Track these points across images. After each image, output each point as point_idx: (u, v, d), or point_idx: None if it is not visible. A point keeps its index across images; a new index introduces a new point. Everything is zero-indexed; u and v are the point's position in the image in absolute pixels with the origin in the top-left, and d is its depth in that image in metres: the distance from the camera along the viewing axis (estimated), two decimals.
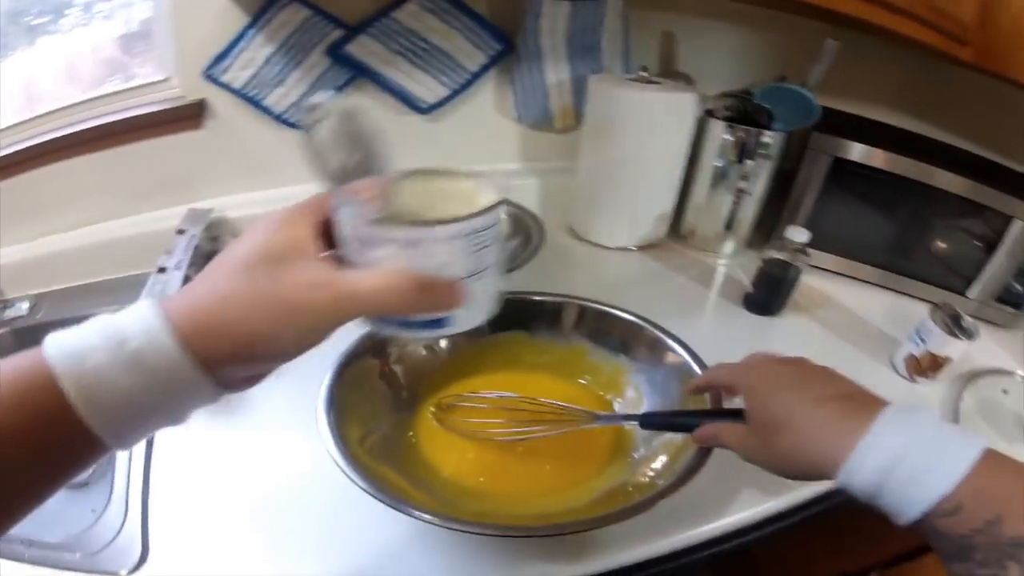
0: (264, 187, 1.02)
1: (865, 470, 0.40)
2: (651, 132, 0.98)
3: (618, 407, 0.71)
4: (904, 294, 1.09)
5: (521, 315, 0.77)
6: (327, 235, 0.34)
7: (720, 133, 1.01)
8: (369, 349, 0.65)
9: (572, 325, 0.77)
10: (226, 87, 0.92)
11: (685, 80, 1.15)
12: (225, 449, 0.66)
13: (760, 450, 0.48)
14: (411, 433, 0.65)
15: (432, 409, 0.67)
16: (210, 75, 0.91)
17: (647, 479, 0.60)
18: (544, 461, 0.65)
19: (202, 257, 0.86)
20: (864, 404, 0.45)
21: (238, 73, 0.91)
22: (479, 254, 0.35)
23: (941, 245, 1.05)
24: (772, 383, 0.50)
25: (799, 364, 0.51)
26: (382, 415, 0.64)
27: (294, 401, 0.59)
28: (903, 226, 1.06)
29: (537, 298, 0.78)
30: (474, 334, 0.69)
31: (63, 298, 0.91)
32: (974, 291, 1.05)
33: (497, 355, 0.74)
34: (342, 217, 0.33)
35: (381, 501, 0.50)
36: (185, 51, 0.90)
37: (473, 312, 0.38)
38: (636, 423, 0.59)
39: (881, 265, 1.09)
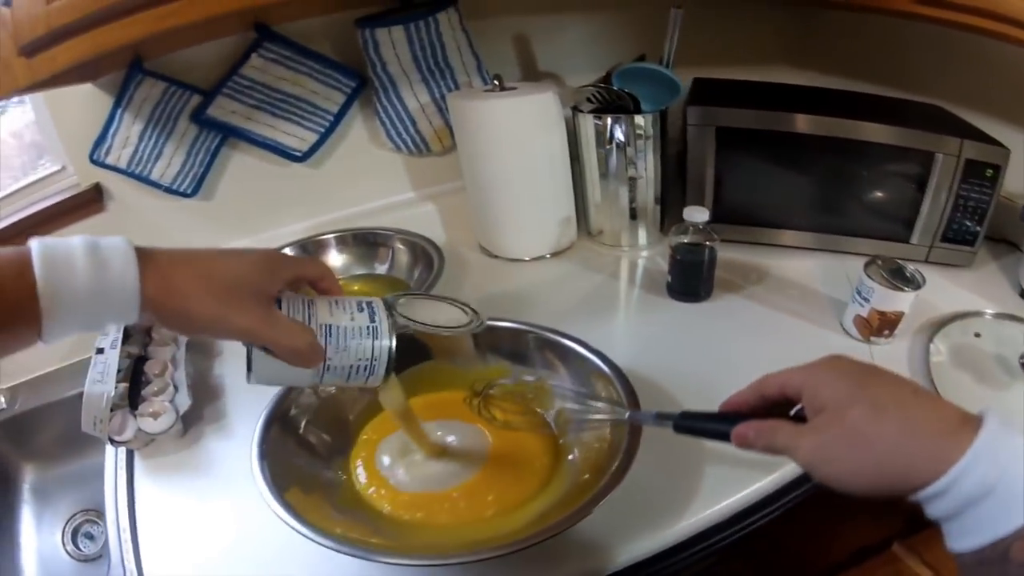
0: None
1: (971, 478, 0.33)
2: (519, 138, 0.98)
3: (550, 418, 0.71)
4: (844, 252, 1.01)
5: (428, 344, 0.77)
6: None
7: (591, 127, 0.99)
8: (280, 416, 0.66)
9: (485, 346, 0.77)
10: (113, 168, 0.99)
11: (553, 80, 1.14)
12: (197, 514, 0.70)
13: (841, 447, 0.37)
14: (343, 475, 0.67)
15: (474, 401, 0.68)
16: (95, 160, 0.98)
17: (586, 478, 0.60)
18: (486, 491, 0.63)
19: (138, 332, 0.90)
20: (960, 409, 0.37)
21: (119, 153, 0.98)
22: (348, 371, 0.50)
23: (868, 195, 0.98)
24: (855, 370, 0.41)
25: (873, 365, 0.42)
26: (315, 465, 0.66)
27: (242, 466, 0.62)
28: (821, 183, 0.99)
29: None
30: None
31: (34, 388, 0.97)
32: (916, 236, 0.96)
33: (417, 385, 0.74)
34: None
35: (325, 547, 0.52)
36: (68, 140, 0.98)
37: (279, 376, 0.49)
38: (669, 424, 0.50)
39: (810, 228, 1.02)
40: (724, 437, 0.44)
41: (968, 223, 0.91)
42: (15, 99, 1.00)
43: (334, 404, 0.72)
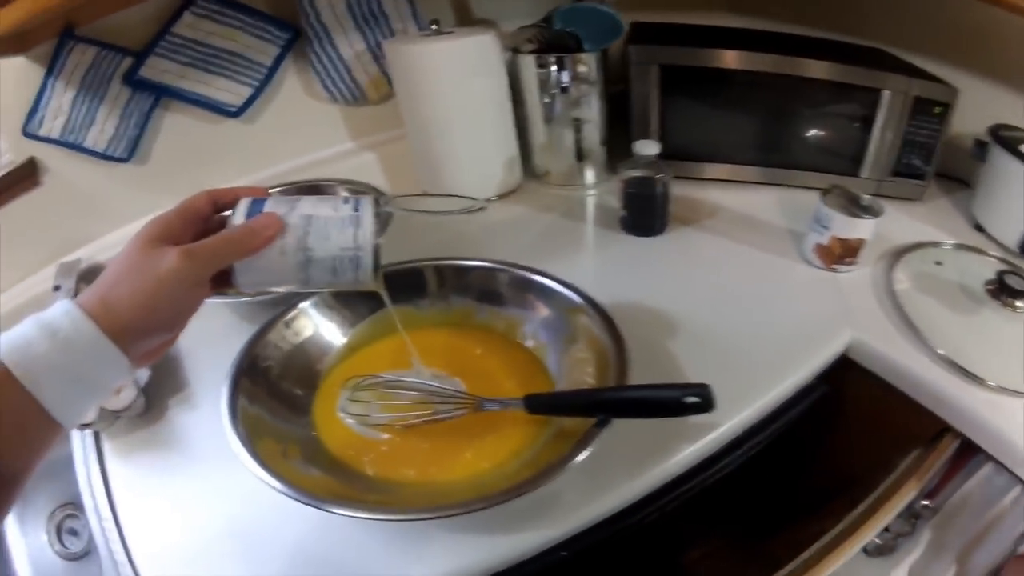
0: (116, 226, 1.20)
1: None
2: (458, 82, 1.09)
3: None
4: (796, 187, 1.15)
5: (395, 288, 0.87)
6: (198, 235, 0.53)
7: (532, 68, 1.10)
8: (249, 367, 0.76)
9: (448, 287, 0.88)
10: (47, 140, 1.11)
11: (487, 26, 1.25)
12: (175, 492, 0.76)
13: None
14: (315, 433, 0.75)
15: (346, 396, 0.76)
16: (28, 132, 1.09)
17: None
18: (465, 439, 0.72)
19: None
20: None
21: (52, 124, 1.09)
22: (333, 264, 0.54)
23: (817, 131, 1.10)
24: None
25: None
26: (288, 420, 0.75)
27: (216, 431, 0.68)
28: (769, 120, 1.12)
29: (402, 267, 0.87)
30: (354, 320, 0.86)
31: None
32: (866, 170, 1.08)
33: (387, 329, 0.84)
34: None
35: (297, 500, 0.59)
36: (1, 116, 1.09)
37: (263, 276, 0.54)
38: (521, 406, 0.68)
39: (762, 163, 1.15)
40: (584, 411, 0.62)
41: (916, 160, 1.03)
42: None
43: (301, 354, 0.82)
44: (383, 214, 0.59)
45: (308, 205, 0.55)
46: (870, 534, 0.84)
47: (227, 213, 0.54)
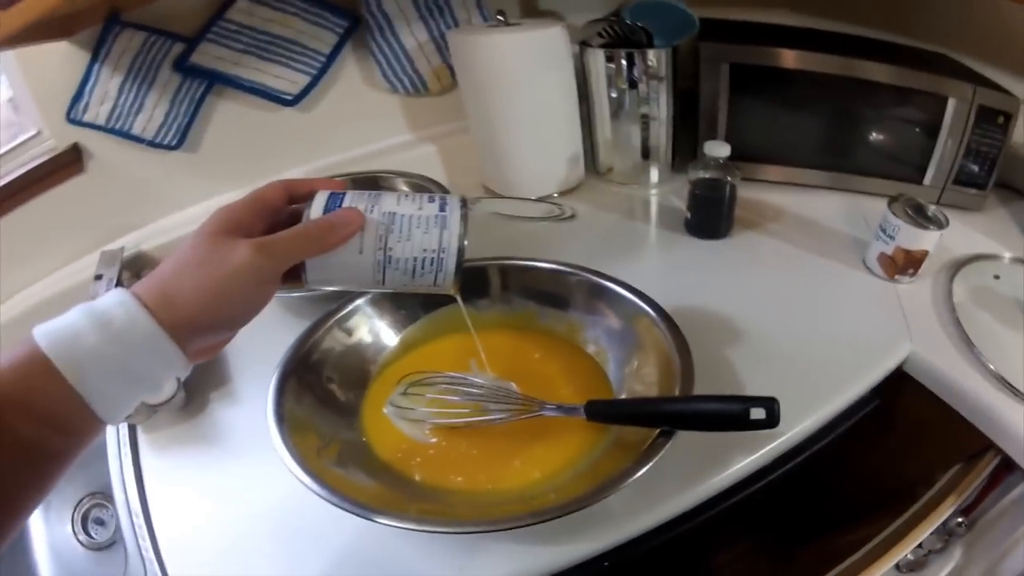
0: (163, 214, 1.18)
1: None
2: (525, 75, 1.07)
3: None
4: (859, 192, 1.15)
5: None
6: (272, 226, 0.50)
7: (601, 62, 1.09)
8: (299, 365, 0.74)
9: (512, 288, 0.87)
10: (91, 126, 1.07)
11: (554, 18, 1.22)
12: (210, 489, 0.76)
13: None
14: (364, 437, 0.73)
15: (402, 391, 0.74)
16: (72, 118, 1.06)
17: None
18: (516, 445, 0.70)
19: None
20: None
21: (97, 109, 1.06)
22: (413, 265, 0.52)
23: (881, 137, 1.10)
24: None
25: None
26: (336, 423, 0.73)
27: (257, 428, 0.67)
28: (834, 123, 1.12)
29: (466, 266, 0.83)
30: (408, 320, 0.84)
31: None
32: (928, 178, 1.10)
33: (440, 330, 0.84)
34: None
35: (342, 509, 0.57)
36: (43, 101, 1.05)
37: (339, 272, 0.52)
38: (582, 413, 0.65)
39: (826, 167, 1.16)
40: (651, 421, 0.61)
41: (978, 169, 1.05)
42: None
43: (353, 355, 0.80)
44: (468, 216, 0.54)
45: (391, 202, 0.52)
46: (906, 550, 0.86)
47: (296, 206, 0.52)
